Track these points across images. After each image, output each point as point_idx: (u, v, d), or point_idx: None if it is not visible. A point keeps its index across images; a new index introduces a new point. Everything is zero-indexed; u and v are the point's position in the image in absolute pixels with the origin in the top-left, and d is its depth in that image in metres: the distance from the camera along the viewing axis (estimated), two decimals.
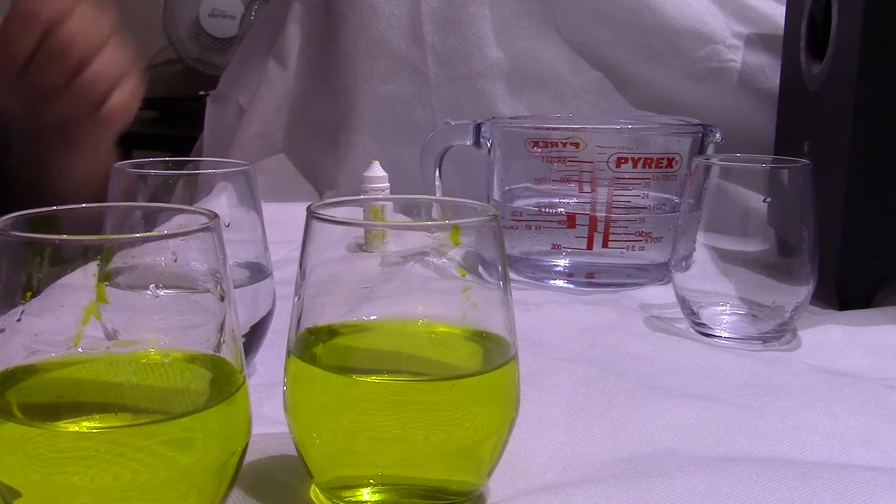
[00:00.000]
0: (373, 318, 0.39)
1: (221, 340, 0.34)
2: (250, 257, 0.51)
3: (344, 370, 0.38)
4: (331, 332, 0.38)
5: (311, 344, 0.38)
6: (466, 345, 0.39)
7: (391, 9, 1.10)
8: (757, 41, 1.04)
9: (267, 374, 0.53)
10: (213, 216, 0.34)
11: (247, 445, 0.34)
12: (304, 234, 0.37)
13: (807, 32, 0.82)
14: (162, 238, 0.33)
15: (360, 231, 0.37)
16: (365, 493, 0.37)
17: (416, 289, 0.38)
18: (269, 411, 0.47)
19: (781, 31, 0.91)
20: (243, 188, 0.51)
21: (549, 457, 0.44)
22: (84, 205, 0.36)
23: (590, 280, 0.77)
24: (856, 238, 0.69)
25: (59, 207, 0.35)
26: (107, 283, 0.33)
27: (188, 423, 0.32)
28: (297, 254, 0.36)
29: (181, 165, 0.54)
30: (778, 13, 0.99)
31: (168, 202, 0.49)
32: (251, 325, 0.50)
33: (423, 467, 0.37)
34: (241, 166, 0.51)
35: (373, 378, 0.37)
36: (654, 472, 0.41)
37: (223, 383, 0.33)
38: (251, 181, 0.51)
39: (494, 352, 0.38)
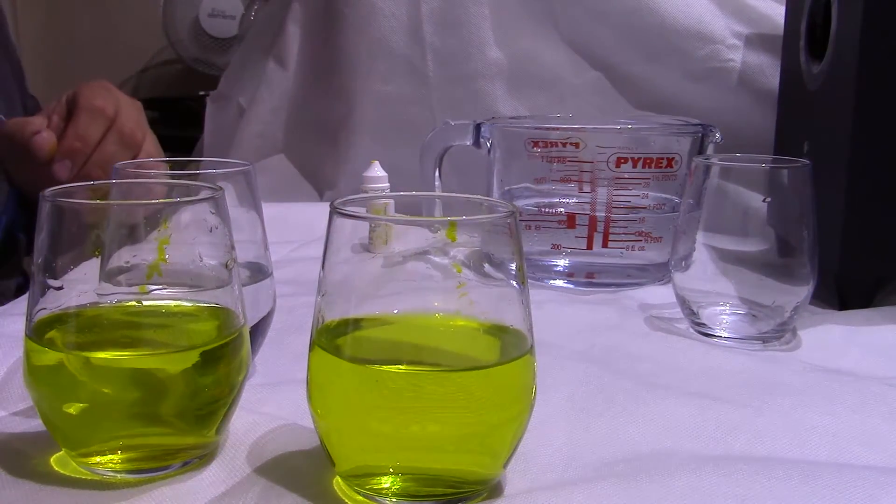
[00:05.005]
0: (392, 312, 0.40)
1: (230, 293, 0.43)
2: (250, 257, 0.51)
3: (366, 361, 0.39)
4: (353, 325, 0.39)
5: (333, 337, 0.39)
6: (483, 338, 0.40)
7: (391, 9, 1.10)
8: (757, 41, 1.04)
9: (268, 374, 0.53)
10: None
11: (247, 371, 0.43)
12: (328, 230, 0.38)
13: (807, 32, 0.82)
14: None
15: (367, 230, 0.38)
16: (386, 483, 0.38)
17: (423, 286, 0.39)
18: (272, 409, 0.48)
19: (781, 31, 0.91)
20: (243, 188, 0.51)
21: (549, 456, 0.44)
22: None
23: (590, 280, 0.76)
24: (856, 238, 0.69)
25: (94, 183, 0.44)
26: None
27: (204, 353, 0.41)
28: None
29: (181, 166, 0.54)
30: (778, 13, 0.99)
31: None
32: (252, 324, 0.50)
33: (443, 456, 0.38)
34: (242, 166, 0.51)
35: (394, 368, 0.38)
36: (654, 470, 0.41)
37: (230, 325, 0.43)
38: (251, 181, 0.51)
39: (510, 344, 0.39)
